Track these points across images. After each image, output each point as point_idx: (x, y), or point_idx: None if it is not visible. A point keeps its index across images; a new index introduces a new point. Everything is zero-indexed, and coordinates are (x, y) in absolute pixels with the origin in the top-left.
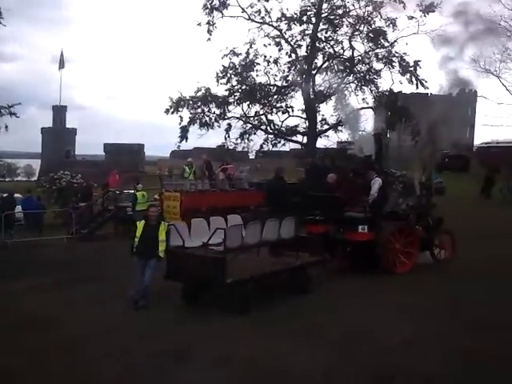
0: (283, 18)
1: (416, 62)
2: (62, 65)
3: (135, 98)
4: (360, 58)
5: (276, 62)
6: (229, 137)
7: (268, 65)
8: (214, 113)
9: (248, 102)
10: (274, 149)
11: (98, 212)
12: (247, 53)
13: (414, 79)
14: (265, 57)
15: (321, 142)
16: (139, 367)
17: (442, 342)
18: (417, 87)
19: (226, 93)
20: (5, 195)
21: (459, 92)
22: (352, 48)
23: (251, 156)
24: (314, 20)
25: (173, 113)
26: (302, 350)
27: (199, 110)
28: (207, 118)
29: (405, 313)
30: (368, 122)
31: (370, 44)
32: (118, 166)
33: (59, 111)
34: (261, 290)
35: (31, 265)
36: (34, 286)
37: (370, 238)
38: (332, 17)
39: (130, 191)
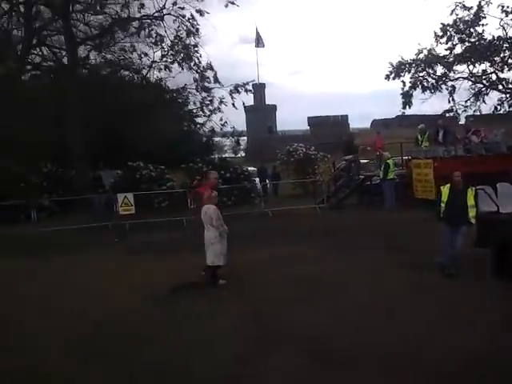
0: None
1: None
2: (259, 42)
3: (321, 71)
4: None
5: None
6: (453, 100)
7: (506, 16)
8: (439, 75)
9: (473, 60)
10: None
11: (343, 182)
12: (479, 5)
13: None
14: (502, 7)
15: None
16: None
17: None
18: None
19: (447, 53)
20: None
21: None
22: None
23: (461, 121)
24: None
25: (394, 78)
26: None
27: (422, 74)
28: (433, 81)
29: None
30: None
31: None
32: (322, 138)
33: (258, 89)
34: None
35: (301, 231)
36: (320, 248)
37: None
38: None
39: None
